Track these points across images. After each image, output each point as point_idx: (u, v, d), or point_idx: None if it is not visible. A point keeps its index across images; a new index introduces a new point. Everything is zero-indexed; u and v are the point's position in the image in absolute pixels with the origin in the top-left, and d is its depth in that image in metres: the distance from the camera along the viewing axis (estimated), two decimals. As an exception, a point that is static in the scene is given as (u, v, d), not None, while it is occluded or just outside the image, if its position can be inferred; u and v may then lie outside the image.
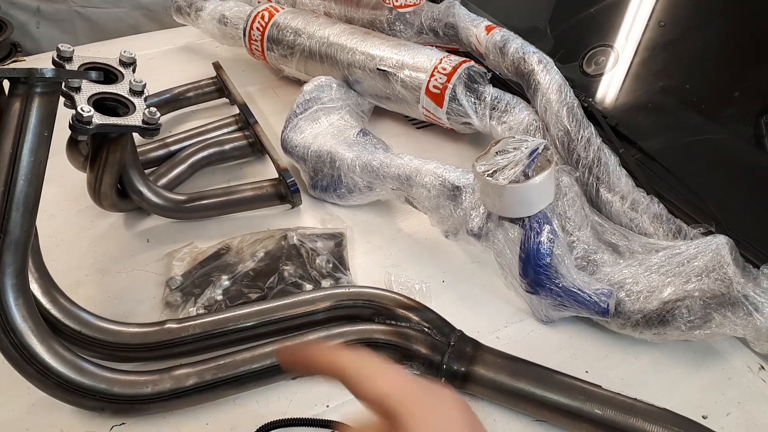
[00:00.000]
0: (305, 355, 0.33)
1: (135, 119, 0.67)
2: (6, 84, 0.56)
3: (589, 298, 0.63)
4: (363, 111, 0.98)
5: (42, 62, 1.14)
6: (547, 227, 0.62)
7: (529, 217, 0.63)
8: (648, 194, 0.75)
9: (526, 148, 0.61)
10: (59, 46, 0.67)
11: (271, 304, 0.65)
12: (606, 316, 0.64)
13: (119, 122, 0.66)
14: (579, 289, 0.63)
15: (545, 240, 0.62)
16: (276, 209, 0.84)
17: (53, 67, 0.66)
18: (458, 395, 0.31)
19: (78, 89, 0.65)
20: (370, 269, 0.76)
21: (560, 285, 0.63)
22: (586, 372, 0.64)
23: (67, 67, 0.67)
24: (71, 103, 0.64)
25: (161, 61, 1.19)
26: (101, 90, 0.68)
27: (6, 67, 0.56)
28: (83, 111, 0.62)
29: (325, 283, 0.72)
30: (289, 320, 0.64)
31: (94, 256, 0.77)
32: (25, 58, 1.35)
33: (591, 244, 0.70)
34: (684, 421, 0.55)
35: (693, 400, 0.63)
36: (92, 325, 0.61)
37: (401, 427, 0.29)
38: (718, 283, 0.61)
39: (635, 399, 0.57)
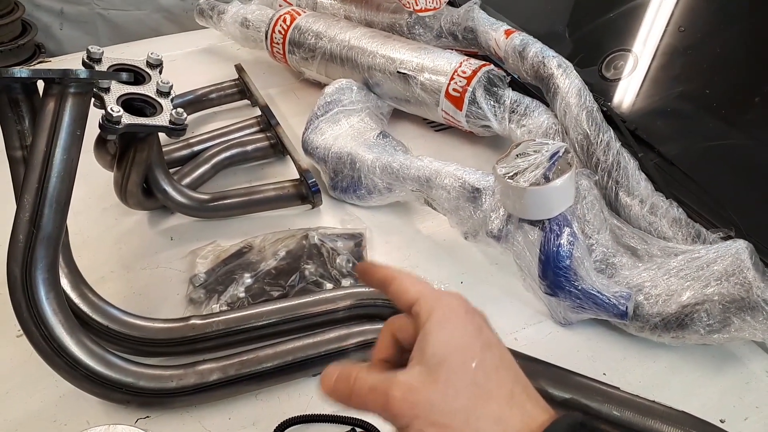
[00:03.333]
0: (371, 270, 0.43)
1: (162, 119, 0.69)
2: (41, 84, 0.58)
3: (608, 301, 0.64)
4: (382, 113, 0.99)
5: (67, 63, 1.16)
6: (567, 230, 0.63)
7: (549, 219, 0.63)
8: (667, 198, 0.75)
9: (546, 151, 0.62)
10: (89, 47, 0.68)
11: (293, 302, 0.66)
12: (624, 318, 0.64)
13: (147, 122, 0.68)
14: (598, 292, 0.64)
15: (565, 242, 0.63)
16: (297, 209, 0.86)
17: (85, 68, 0.68)
18: (464, 299, 0.39)
19: (107, 90, 0.67)
20: (390, 269, 0.77)
21: (579, 287, 0.64)
22: (604, 374, 0.64)
23: (97, 68, 0.68)
24: (101, 104, 0.66)
25: (183, 62, 1.21)
26: (129, 91, 0.69)
27: (41, 68, 0.58)
28: (113, 111, 0.63)
29: (345, 282, 0.73)
30: (309, 318, 0.66)
31: (119, 253, 0.79)
32: (49, 59, 1.38)
33: (610, 247, 0.70)
34: (702, 425, 0.55)
35: (711, 404, 0.63)
36: (119, 320, 0.62)
37: (420, 331, 0.37)
38: (738, 288, 0.61)
39: (653, 401, 0.57)
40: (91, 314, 0.61)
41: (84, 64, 0.68)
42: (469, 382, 0.35)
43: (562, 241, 0.63)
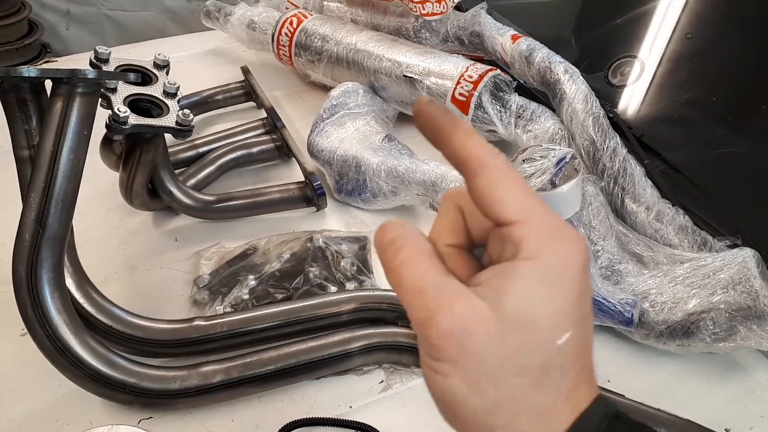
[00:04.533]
0: (446, 129, 0.30)
1: (169, 120, 0.69)
2: (48, 84, 0.58)
3: (613, 308, 0.63)
4: (388, 117, 0.99)
5: (74, 63, 1.16)
6: (572, 236, 0.63)
7: (554, 225, 0.63)
8: (673, 206, 0.75)
9: (553, 157, 0.62)
10: (97, 48, 0.68)
11: (297, 305, 0.66)
12: (630, 326, 0.64)
13: (154, 123, 0.68)
14: (603, 299, 0.64)
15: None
16: (301, 212, 0.85)
17: (92, 68, 0.68)
18: (586, 250, 0.29)
19: (114, 90, 0.67)
20: (394, 273, 0.77)
21: (591, 299, 0.63)
22: (609, 381, 0.64)
23: (104, 68, 0.68)
24: (107, 104, 0.66)
25: (189, 64, 1.21)
26: (136, 91, 0.69)
27: (49, 68, 0.58)
28: (120, 111, 0.64)
29: (350, 285, 0.73)
30: (313, 321, 0.65)
31: (123, 253, 0.79)
32: (56, 59, 1.38)
33: (615, 254, 0.70)
34: (708, 433, 0.55)
35: (716, 413, 0.62)
36: (123, 320, 0.62)
37: (510, 267, 0.28)
38: (744, 296, 0.61)
39: (658, 409, 0.57)
40: (95, 314, 0.61)
41: (91, 64, 0.68)
42: (542, 363, 0.27)
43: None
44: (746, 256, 0.63)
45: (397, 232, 0.30)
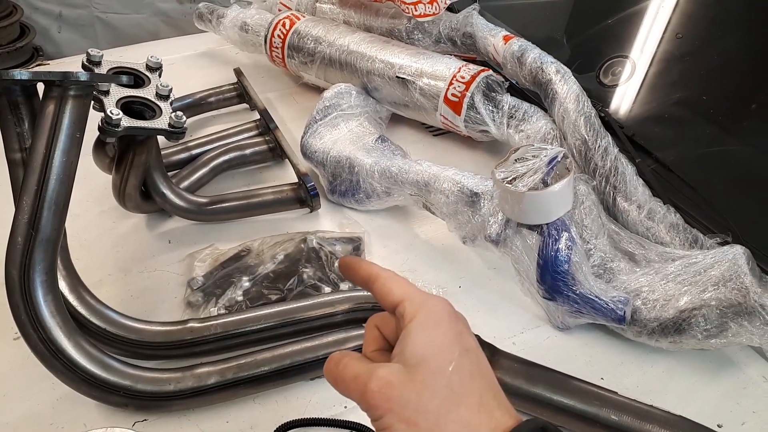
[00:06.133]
0: (355, 266, 0.44)
1: (162, 122, 0.69)
2: (40, 87, 0.58)
3: (605, 306, 0.64)
4: (381, 118, 0.99)
5: (65, 66, 1.16)
6: (565, 234, 0.63)
7: (547, 224, 0.63)
8: (665, 204, 0.75)
9: (545, 156, 0.62)
10: (89, 50, 0.68)
11: (291, 306, 0.66)
12: (622, 323, 0.65)
13: (147, 125, 0.68)
14: (596, 296, 0.64)
15: (563, 247, 0.63)
16: (295, 213, 0.86)
17: (84, 71, 0.68)
18: (448, 304, 0.41)
19: (107, 93, 0.67)
20: (388, 273, 0.77)
21: (577, 292, 0.64)
22: (602, 378, 0.65)
23: (97, 71, 0.68)
24: (100, 106, 0.66)
25: (182, 66, 1.21)
26: (129, 94, 0.69)
27: (41, 70, 0.58)
28: (112, 114, 0.63)
29: (344, 286, 0.73)
30: (308, 322, 0.66)
31: (116, 256, 0.79)
32: (48, 62, 1.38)
33: (608, 252, 0.70)
34: (700, 429, 0.55)
35: (708, 409, 0.63)
36: (117, 322, 0.62)
37: (403, 330, 0.38)
38: (735, 293, 0.61)
39: (651, 406, 0.57)
40: (88, 317, 0.61)
41: (84, 66, 0.68)
42: (443, 385, 0.36)
43: (560, 246, 0.63)
44: (736, 253, 0.63)
45: (340, 355, 0.40)
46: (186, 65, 1.22)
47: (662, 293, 0.65)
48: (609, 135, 0.81)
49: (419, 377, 0.36)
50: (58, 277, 0.59)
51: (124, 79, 0.69)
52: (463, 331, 0.39)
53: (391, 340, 0.41)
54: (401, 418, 0.35)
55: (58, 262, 0.59)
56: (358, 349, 0.63)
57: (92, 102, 0.65)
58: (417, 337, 0.37)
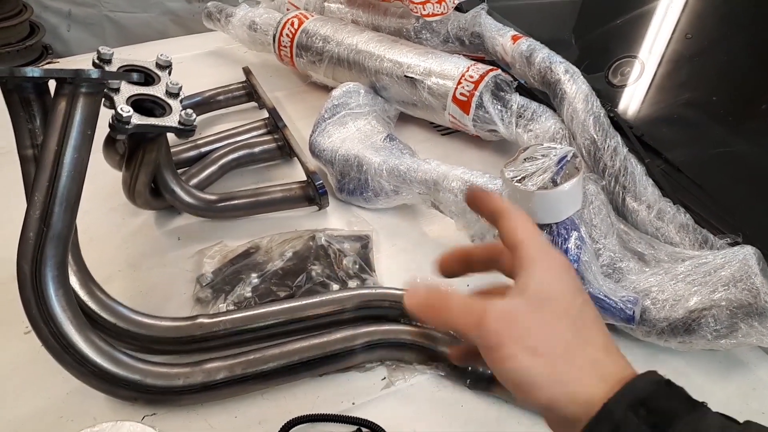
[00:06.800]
0: (484, 198, 0.43)
1: (172, 120, 0.69)
2: (52, 84, 0.58)
3: (614, 305, 0.64)
4: (389, 117, 1.00)
5: (75, 65, 1.16)
6: (574, 234, 0.63)
7: (557, 223, 0.63)
8: (674, 204, 0.75)
9: (554, 156, 0.62)
10: (100, 48, 0.69)
11: (299, 303, 0.66)
12: (631, 323, 0.64)
13: (157, 123, 0.68)
14: (605, 296, 0.64)
15: (573, 246, 0.63)
16: (303, 211, 0.86)
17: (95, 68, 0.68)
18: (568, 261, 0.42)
19: (117, 90, 0.67)
20: (396, 272, 0.77)
21: (586, 291, 0.64)
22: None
23: (107, 68, 0.69)
24: (110, 104, 0.66)
25: (191, 65, 1.21)
26: (139, 91, 0.70)
27: (52, 68, 0.58)
28: (123, 111, 0.64)
29: (352, 283, 0.73)
30: (316, 319, 0.66)
31: (126, 252, 0.79)
32: (57, 60, 1.39)
33: (617, 252, 0.70)
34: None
35: (717, 410, 0.62)
36: (127, 318, 0.63)
37: (523, 269, 0.38)
38: (746, 293, 0.61)
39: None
40: (99, 312, 0.61)
41: (94, 64, 0.69)
42: (570, 323, 0.36)
43: (569, 245, 0.63)
44: (747, 253, 0.63)
45: (423, 287, 0.39)
46: (195, 64, 1.22)
47: (672, 293, 0.64)
48: (618, 135, 0.81)
49: (546, 312, 0.36)
50: (69, 272, 0.59)
51: (135, 76, 0.69)
52: (581, 286, 0.39)
53: (508, 275, 0.41)
54: (526, 346, 0.35)
55: (69, 257, 0.60)
56: (369, 345, 0.63)
57: (103, 99, 0.66)
58: (543, 276, 0.37)
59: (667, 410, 0.33)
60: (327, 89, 1.01)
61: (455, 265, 0.45)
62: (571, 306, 0.37)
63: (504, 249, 0.41)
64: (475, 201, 0.43)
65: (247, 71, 1.08)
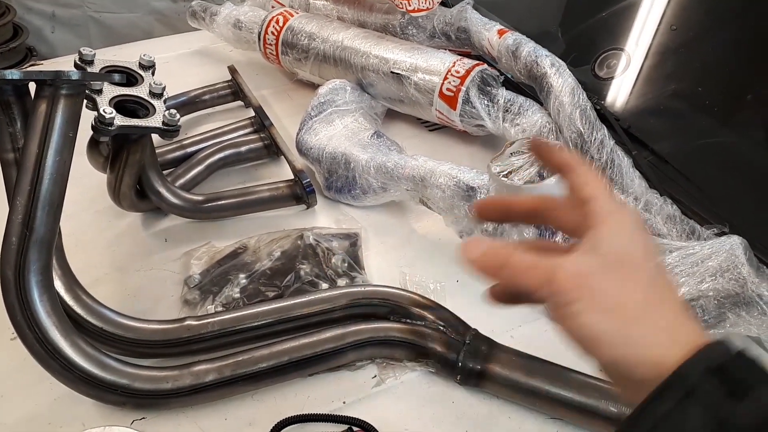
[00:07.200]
0: (550, 149, 0.41)
1: (155, 121, 0.68)
2: (32, 86, 0.58)
3: (603, 298, 0.64)
4: (376, 113, 0.99)
5: (59, 66, 1.15)
6: (561, 227, 0.63)
7: (543, 217, 0.63)
8: (661, 195, 0.75)
9: (540, 149, 0.62)
10: (81, 49, 0.68)
11: (288, 302, 0.66)
12: (620, 315, 0.64)
13: (140, 124, 0.67)
14: (593, 289, 0.64)
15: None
16: (291, 210, 0.85)
17: (77, 70, 0.68)
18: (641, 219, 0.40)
19: (100, 92, 0.67)
20: (385, 269, 0.77)
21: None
22: (601, 370, 0.64)
23: (89, 70, 0.68)
24: (93, 105, 0.66)
25: (176, 64, 1.20)
26: (122, 92, 0.69)
27: (32, 70, 0.57)
28: (105, 113, 0.63)
29: (341, 282, 0.73)
30: (305, 318, 0.65)
31: (112, 255, 0.79)
32: (41, 62, 1.37)
33: (604, 244, 0.70)
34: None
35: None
36: (113, 321, 0.62)
37: (595, 226, 0.36)
38: (733, 283, 0.61)
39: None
40: (85, 316, 0.61)
41: (76, 65, 0.68)
42: (644, 285, 0.35)
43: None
44: (734, 243, 0.63)
45: (483, 242, 0.38)
46: (180, 63, 1.21)
47: (659, 285, 0.64)
48: (605, 127, 0.81)
49: (621, 271, 0.35)
50: (54, 276, 0.58)
51: (117, 77, 0.68)
52: (654, 248, 0.38)
53: (567, 231, 0.40)
54: (598, 305, 0.34)
55: (54, 261, 0.59)
56: (359, 344, 0.63)
57: (85, 101, 0.65)
58: (617, 234, 0.36)
59: (743, 378, 0.32)
60: (313, 87, 1.00)
61: (492, 212, 0.44)
62: (644, 267, 0.35)
63: (559, 203, 0.40)
64: (541, 152, 0.42)
65: (232, 70, 1.07)
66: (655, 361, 0.33)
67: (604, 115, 0.87)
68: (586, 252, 0.36)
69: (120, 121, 0.65)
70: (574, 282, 0.34)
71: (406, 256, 0.79)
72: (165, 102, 0.71)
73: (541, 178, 0.61)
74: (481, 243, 0.37)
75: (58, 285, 0.60)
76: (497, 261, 0.36)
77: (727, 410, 0.30)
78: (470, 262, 0.37)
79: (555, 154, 0.41)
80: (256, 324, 0.64)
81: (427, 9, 1.00)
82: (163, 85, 0.71)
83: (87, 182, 0.83)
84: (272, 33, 1.06)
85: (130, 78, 0.72)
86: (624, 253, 0.35)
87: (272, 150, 0.92)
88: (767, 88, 0.89)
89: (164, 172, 0.81)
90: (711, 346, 0.33)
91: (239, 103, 1.06)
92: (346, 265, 0.74)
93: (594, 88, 0.97)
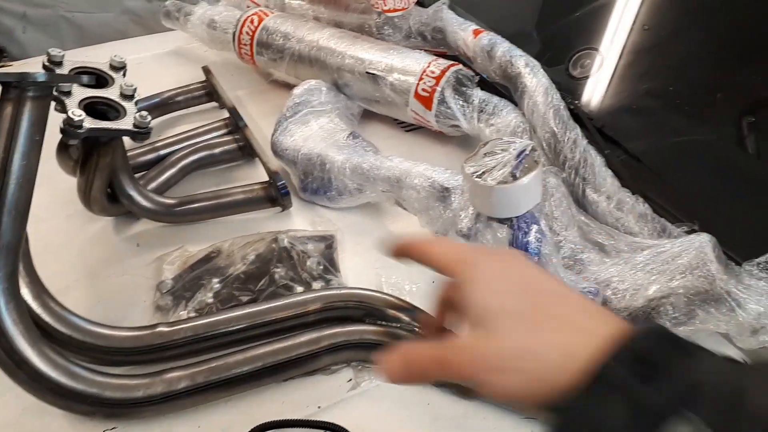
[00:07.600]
0: (409, 252, 0.46)
1: (126, 123, 0.67)
2: (-2, 88, 0.56)
3: (576, 297, 0.64)
4: (352, 114, 0.99)
5: (30, 67, 1.13)
6: (534, 227, 0.63)
7: (517, 217, 0.63)
8: (633, 194, 0.76)
9: (513, 150, 0.62)
10: (49, 50, 0.67)
11: (262, 307, 0.65)
12: (593, 314, 0.65)
13: (110, 126, 0.66)
14: (566, 288, 0.64)
15: (533, 239, 0.63)
16: (266, 212, 0.85)
17: (44, 71, 0.66)
18: (501, 258, 0.41)
19: (69, 93, 0.65)
20: (361, 271, 0.77)
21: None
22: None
23: (58, 71, 0.67)
24: (62, 108, 0.64)
25: (150, 65, 1.19)
26: (92, 94, 0.68)
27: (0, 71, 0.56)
28: (74, 115, 0.62)
29: (316, 285, 0.72)
30: (280, 322, 0.65)
31: (83, 260, 0.77)
32: (12, 63, 1.34)
33: (578, 243, 0.71)
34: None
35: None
36: (83, 329, 0.61)
37: (465, 281, 0.39)
38: (702, 280, 0.62)
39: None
40: (53, 324, 0.59)
41: (44, 67, 0.66)
42: (514, 325, 0.36)
43: (530, 239, 0.63)
44: (702, 241, 0.64)
45: (392, 360, 0.39)
46: (154, 64, 1.20)
47: (632, 283, 0.65)
48: (578, 127, 0.82)
49: (488, 328, 0.36)
50: (21, 284, 0.57)
51: (85, 79, 0.67)
52: (521, 272, 0.39)
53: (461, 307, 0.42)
54: (490, 368, 0.35)
55: (21, 268, 0.58)
56: (334, 347, 0.63)
57: (54, 103, 0.64)
58: (471, 297, 0.38)
59: (652, 359, 0.32)
60: (289, 87, 1.00)
61: (406, 255, 0.46)
62: (506, 307, 0.37)
63: None
64: (404, 255, 0.46)
65: (206, 70, 1.06)
66: (562, 388, 0.33)
67: (578, 115, 0.88)
68: (470, 326, 0.38)
69: (89, 123, 0.64)
70: (465, 361, 0.36)
71: (382, 257, 0.78)
72: (137, 104, 0.70)
73: (514, 178, 0.61)
74: (391, 360, 0.39)
75: (25, 292, 0.58)
76: (412, 373, 0.39)
77: (641, 394, 0.31)
78: (395, 382, 0.39)
79: (413, 255, 0.45)
80: (229, 329, 0.63)
81: (403, 9, 1.00)
82: (134, 87, 0.70)
83: (57, 186, 0.81)
84: (247, 33, 1.05)
85: (100, 79, 0.70)
86: (483, 310, 0.37)
87: (247, 152, 0.91)
88: (737, 86, 0.91)
89: (136, 175, 0.79)
90: (615, 343, 0.33)
91: (214, 104, 1.04)
92: (321, 267, 0.74)
93: (568, 87, 0.97)
